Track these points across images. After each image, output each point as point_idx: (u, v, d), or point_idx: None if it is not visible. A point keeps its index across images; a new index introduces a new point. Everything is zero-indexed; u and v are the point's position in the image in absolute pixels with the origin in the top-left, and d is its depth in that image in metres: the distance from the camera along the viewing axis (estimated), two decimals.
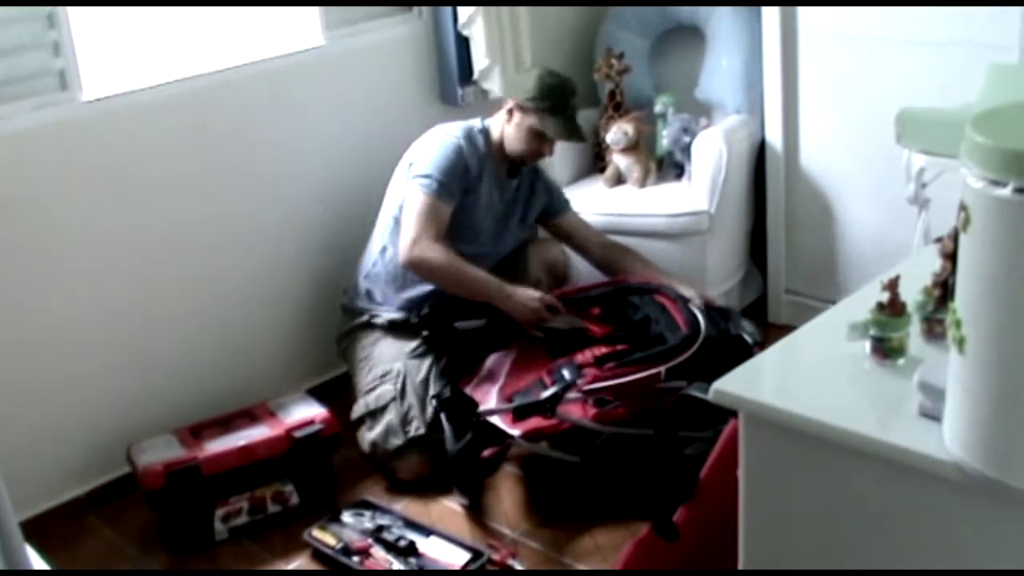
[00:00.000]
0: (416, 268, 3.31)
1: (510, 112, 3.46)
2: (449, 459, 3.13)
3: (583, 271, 3.78)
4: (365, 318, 3.49)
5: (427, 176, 3.33)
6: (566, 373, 3.07)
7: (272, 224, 3.64)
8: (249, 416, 3.27)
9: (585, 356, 3.19)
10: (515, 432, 3.01)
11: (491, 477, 3.30)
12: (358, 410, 3.35)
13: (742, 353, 2.98)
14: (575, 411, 3.02)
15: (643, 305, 3.39)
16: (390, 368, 3.35)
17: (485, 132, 3.49)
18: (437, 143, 3.41)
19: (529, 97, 3.40)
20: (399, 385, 3.31)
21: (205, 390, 3.50)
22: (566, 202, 3.77)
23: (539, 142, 3.45)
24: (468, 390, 3.18)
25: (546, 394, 2.99)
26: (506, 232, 3.61)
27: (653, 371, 3.00)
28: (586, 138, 3.71)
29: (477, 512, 3.16)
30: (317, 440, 3.18)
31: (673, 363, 3.02)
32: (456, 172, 3.36)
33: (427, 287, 3.39)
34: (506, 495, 3.22)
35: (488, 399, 3.12)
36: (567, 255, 3.81)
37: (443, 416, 3.16)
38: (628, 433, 3.03)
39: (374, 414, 3.31)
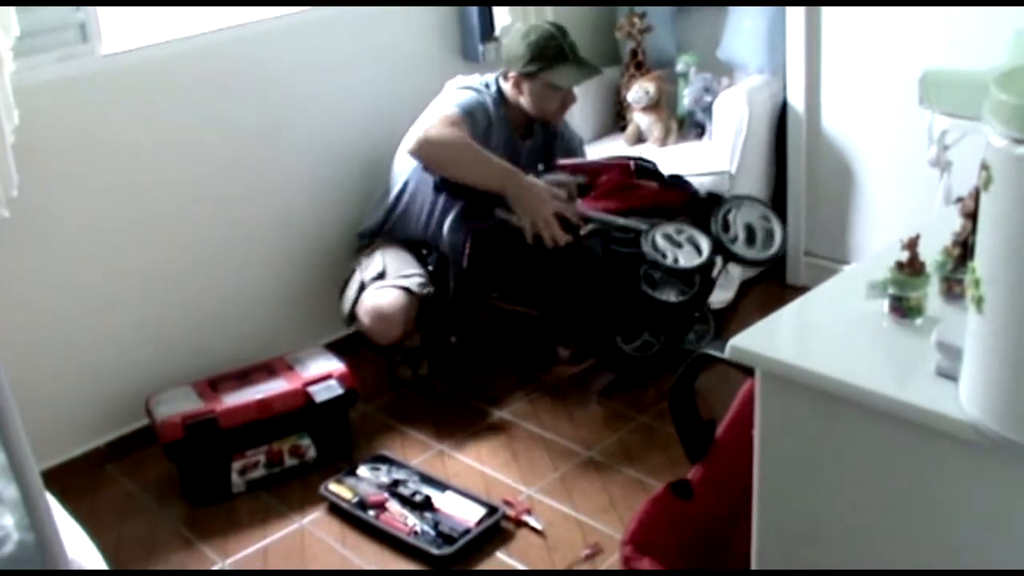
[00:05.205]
0: (424, 148, 3.26)
1: (517, 85, 3.46)
2: (458, 277, 3.36)
3: None
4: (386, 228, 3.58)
5: (450, 102, 3.37)
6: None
7: (291, 178, 3.64)
8: (267, 369, 3.29)
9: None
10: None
11: (503, 434, 3.33)
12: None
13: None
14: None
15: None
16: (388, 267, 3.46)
17: (500, 94, 3.50)
18: (460, 93, 3.42)
19: (525, 63, 3.41)
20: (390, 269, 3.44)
21: (223, 343, 3.53)
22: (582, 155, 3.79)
23: (559, 96, 3.47)
24: None
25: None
26: None
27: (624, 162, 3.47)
28: (600, 69, 3.62)
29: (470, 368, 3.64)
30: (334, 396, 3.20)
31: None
32: (476, 115, 3.38)
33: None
34: (522, 452, 3.24)
35: None
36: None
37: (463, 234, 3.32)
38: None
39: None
